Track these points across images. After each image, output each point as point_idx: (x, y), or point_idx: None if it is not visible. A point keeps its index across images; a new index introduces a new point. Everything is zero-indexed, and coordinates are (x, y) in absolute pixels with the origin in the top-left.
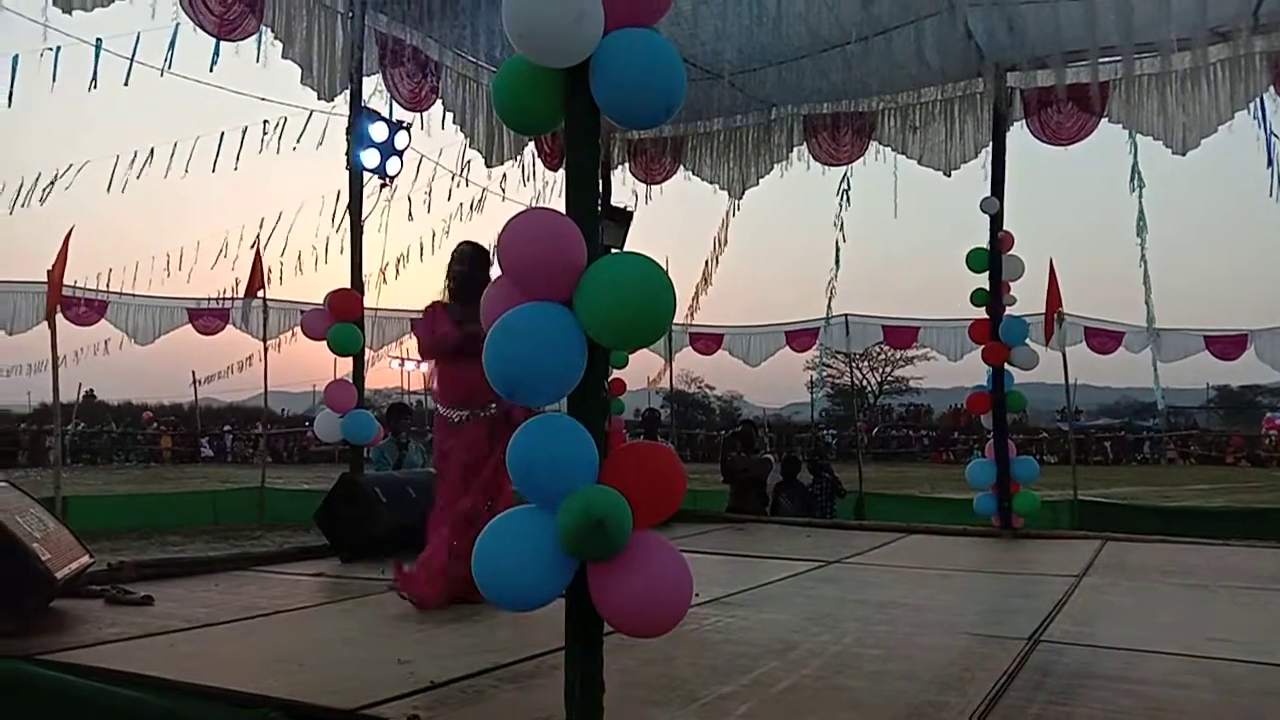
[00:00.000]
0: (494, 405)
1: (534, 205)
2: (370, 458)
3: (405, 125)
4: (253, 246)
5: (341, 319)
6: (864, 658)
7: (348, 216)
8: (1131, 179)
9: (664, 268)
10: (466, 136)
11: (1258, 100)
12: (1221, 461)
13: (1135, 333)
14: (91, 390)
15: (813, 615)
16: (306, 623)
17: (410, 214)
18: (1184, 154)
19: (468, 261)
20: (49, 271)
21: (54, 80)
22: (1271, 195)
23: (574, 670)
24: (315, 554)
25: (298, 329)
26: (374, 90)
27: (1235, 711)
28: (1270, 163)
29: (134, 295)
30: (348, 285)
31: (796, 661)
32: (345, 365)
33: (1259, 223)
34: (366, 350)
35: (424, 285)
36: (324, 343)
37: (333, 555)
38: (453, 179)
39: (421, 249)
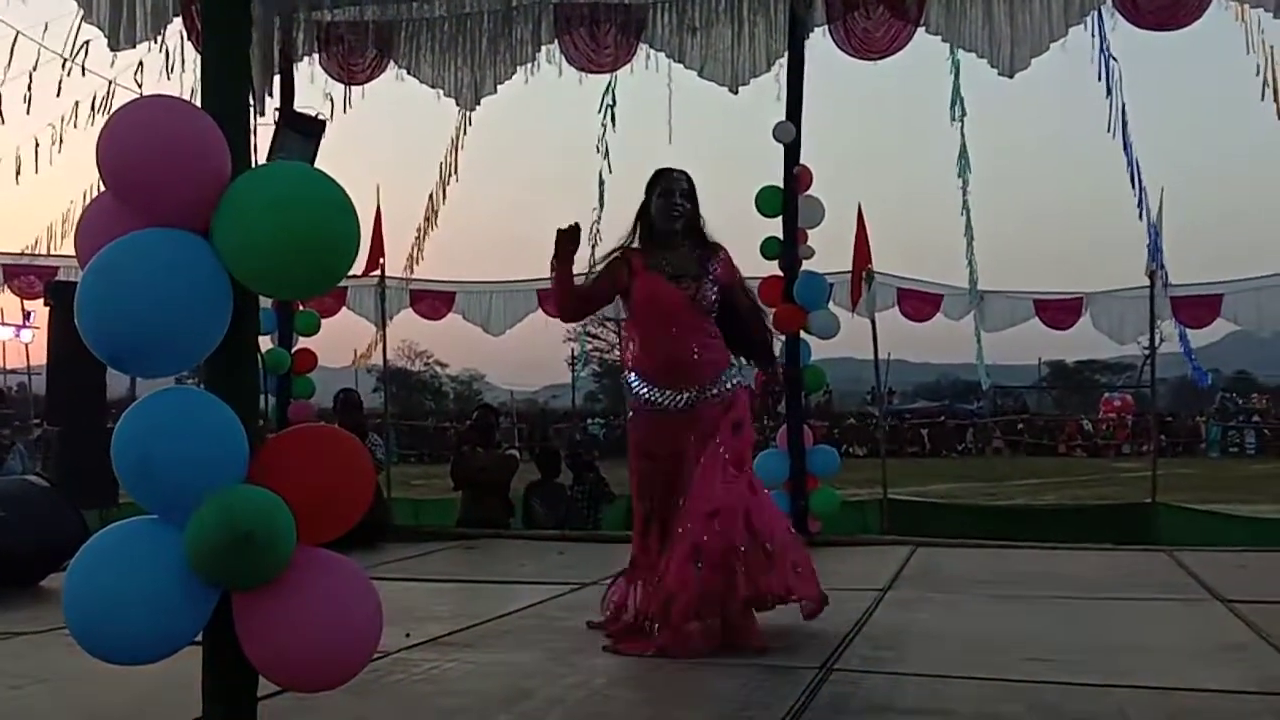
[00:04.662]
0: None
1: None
2: None
3: None
4: None
5: None
6: (619, 701)
7: None
8: (952, 105)
9: (343, 187)
10: (81, 7)
11: (1094, 13)
12: (1054, 451)
13: (955, 295)
14: None
15: (557, 653)
16: None
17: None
18: (1011, 75)
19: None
20: None
21: None
22: (1109, 130)
23: None
24: None
25: None
26: None
27: None
28: (1109, 91)
29: None
30: None
31: (531, 714)
32: None
33: (1090, 162)
34: None
35: (23, 212)
36: None
37: None
38: (63, 66)
39: (19, 163)
